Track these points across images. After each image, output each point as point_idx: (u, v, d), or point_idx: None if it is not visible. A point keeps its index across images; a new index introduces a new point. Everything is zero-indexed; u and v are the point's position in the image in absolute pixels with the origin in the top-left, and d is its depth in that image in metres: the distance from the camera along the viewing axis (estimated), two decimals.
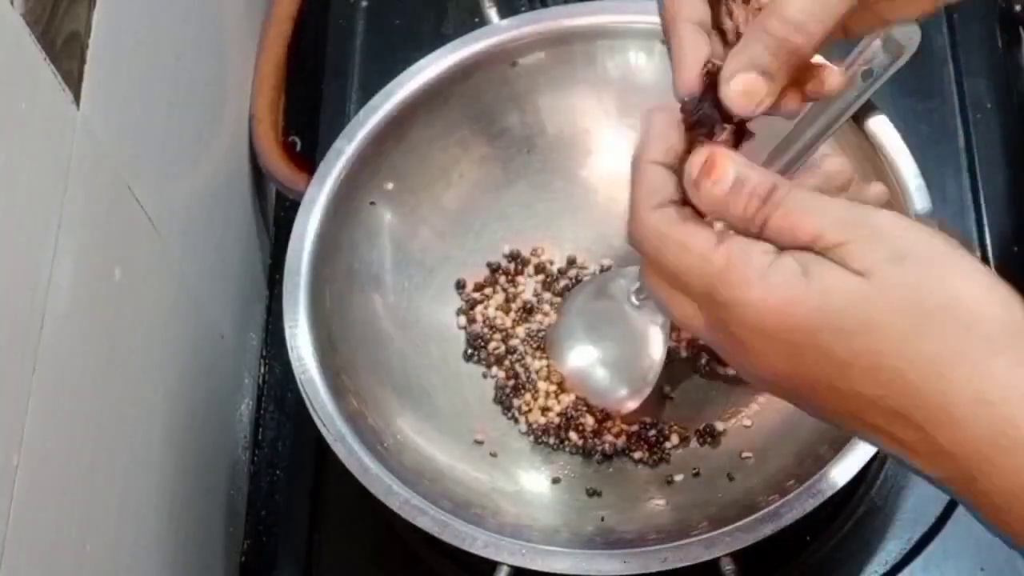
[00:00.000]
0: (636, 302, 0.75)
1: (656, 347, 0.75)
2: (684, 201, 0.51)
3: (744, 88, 0.52)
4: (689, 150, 0.52)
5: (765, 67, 0.52)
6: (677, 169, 0.52)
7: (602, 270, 0.83)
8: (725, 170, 0.50)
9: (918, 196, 0.72)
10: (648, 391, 0.76)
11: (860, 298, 0.47)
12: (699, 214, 0.51)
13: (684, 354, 0.80)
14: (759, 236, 0.49)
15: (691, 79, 0.53)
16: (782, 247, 0.49)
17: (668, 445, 0.77)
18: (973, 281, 0.47)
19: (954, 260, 0.48)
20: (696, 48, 0.54)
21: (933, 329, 0.46)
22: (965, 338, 0.46)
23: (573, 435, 0.78)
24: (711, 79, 0.53)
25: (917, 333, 0.46)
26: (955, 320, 0.46)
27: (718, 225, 0.51)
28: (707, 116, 0.53)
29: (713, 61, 0.53)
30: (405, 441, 0.75)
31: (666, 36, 0.55)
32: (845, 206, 0.49)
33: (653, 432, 0.78)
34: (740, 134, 0.53)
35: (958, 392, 0.46)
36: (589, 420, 0.78)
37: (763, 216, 0.49)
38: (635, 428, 0.78)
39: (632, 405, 0.77)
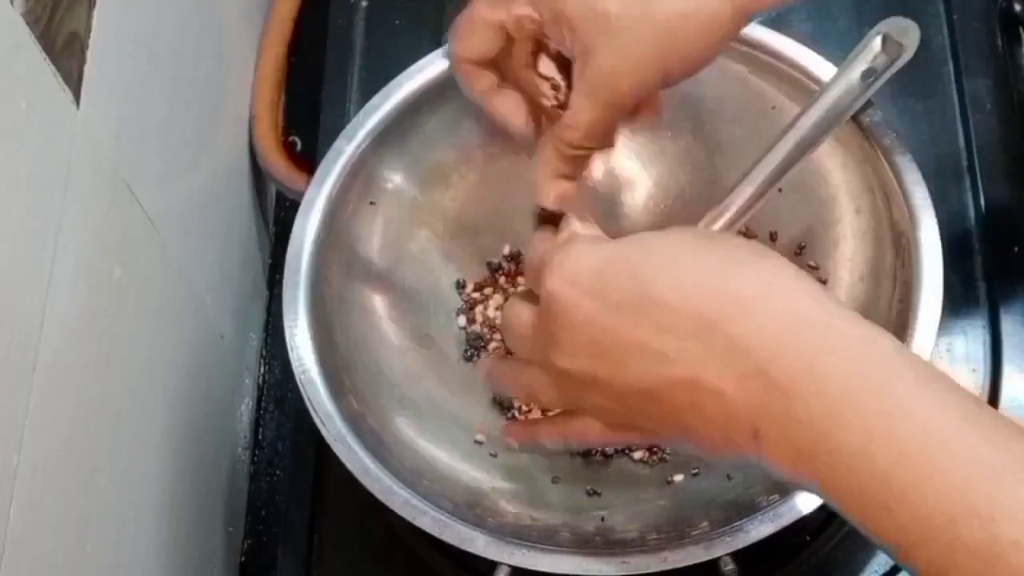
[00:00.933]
0: None
1: None
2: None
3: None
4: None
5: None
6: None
7: None
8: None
9: (918, 196, 0.72)
10: None
11: (663, 236, 0.55)
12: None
13: None
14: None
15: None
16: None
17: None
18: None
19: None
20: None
21: (734, 250, 0.53)
22: (763, 253, 0.54)
23: None
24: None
25: (714, 246, 0.54)
26: (755, 253, 0.54)
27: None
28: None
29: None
30: (405, 441, 0.75)
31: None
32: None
33: None
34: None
35: (754, 284, 0.51)
36: None
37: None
38: None
39: None
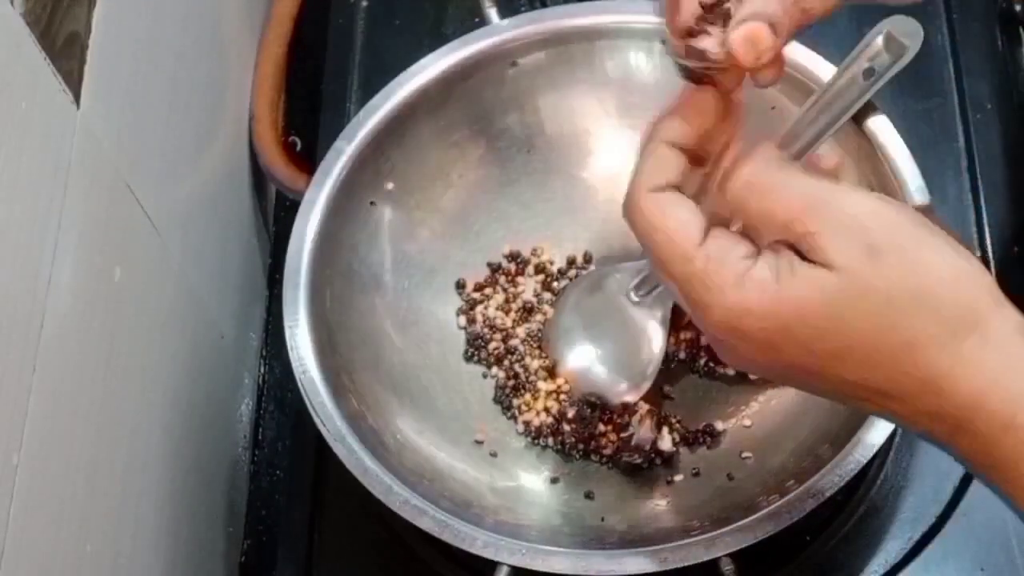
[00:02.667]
0: (635, 298, 0.76)
1: (655, 342, 0.76)
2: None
3: (749, 35, 0.53)
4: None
5: (775, 19, 0.53)
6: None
7: None
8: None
9: (918, 196, 0.72)
10: (648, 385, 0.77)
11: (832, 299, 0.49)
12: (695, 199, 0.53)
13: (683, 355, 0.80)
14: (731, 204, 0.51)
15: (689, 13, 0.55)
16: (757, 235, 0.51)
17: (667, 446, 0.77)
18: (942, 262, 0.49)
19: (923, 242, 0.50)
20: None
21: (903, 321, 0.49)
22: (934, 323, 0.49)
23: (573, 435, 0.78)
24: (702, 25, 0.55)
25: (889, 327, 0.49)
26: (926, 308, 0.49)
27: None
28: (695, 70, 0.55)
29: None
30: (405, 441, 0.75)
31: None
32: (814, 187, 0.51)
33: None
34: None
35: (932, 367, 0.49)
36: (589, 420, 0.78)
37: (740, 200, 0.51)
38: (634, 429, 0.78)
39: (632, 399, 0.77)
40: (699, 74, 0.56)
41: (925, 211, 0.61)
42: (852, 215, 0.49)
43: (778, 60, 0.56)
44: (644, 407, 0.77)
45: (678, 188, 0.54)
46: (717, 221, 0.52)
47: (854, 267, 0.48)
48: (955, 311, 0.49)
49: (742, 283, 0.50)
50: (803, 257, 0.50)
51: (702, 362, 0.79)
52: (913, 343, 0.48)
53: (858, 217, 0.49)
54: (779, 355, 0.50)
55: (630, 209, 0.53)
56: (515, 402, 0.79)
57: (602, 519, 0.74)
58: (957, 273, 0.49)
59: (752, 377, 0.78)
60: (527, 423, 0.79)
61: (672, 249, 0.51)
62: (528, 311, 0.82)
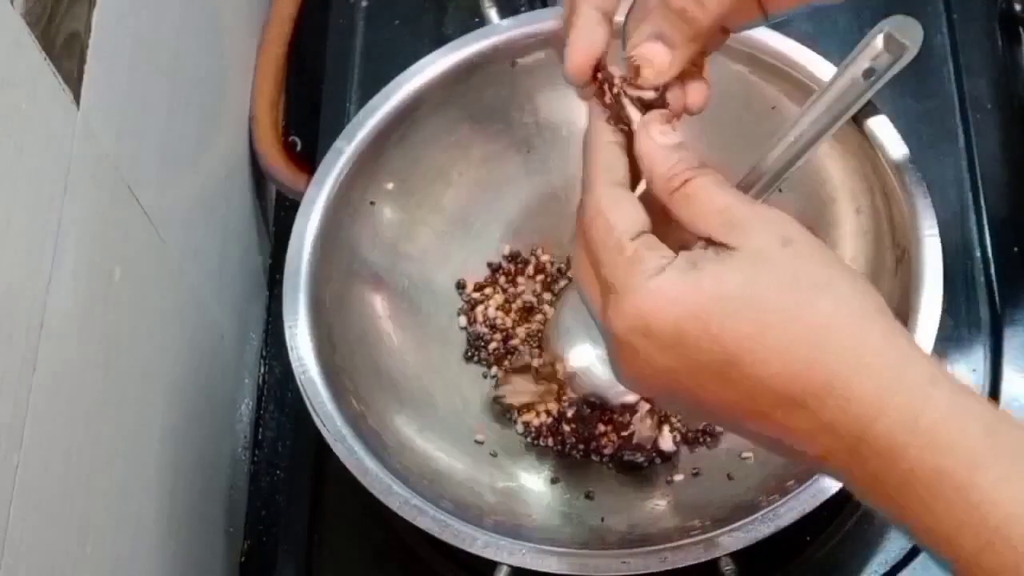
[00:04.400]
0: None
1: None
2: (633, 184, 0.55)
3: (646, 54, 0.56)
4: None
5: (667, 37, 0.56)
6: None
7: None
8: (676, 131, 0.55)
9: (918, 196, 0.72)
10: None
11: (747, 279, 0.49)
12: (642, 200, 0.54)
13: None
14: (670, 204, 0.52)
15: (581, 65, 0.57)
16: (684, 228, 0.52)
17: (667, 445, 0.77)
18: (843, 266, 0.52)
19: (827, 250, 0.52)
20: (593, 34, 0.57)
21: (817, 303, 0.49)
22: (845, 310, 0.49)
23: (573, 435, 0.78)
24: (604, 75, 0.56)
25: (803, 304, 0.49)
26: (836, 295, 0.49)
27: None
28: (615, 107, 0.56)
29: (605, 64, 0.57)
30: (405, 441, 0.75)
31: (567, 19, 0.58)
32: (744, 198, 0.52)
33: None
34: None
35: (841, 359, 0.48)
36: (589, 420, 0.78)
37: (682, 179, 0.52)
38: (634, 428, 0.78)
39: (632, 399, 0.77)
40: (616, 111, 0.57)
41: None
42: (771, 216, 0.51)
43: (699, 79, 0.59)
44: (644, 407, 0.77)
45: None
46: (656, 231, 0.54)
47: (770, 250, 0.50)
48: (862, 300, 0.50)
49: (662, 270, 0.50)
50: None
51: None
52: (826, 326, 0.49)
53: (775, 218, 0.51)
54: (683, 354, 0.50)
55: (586, 198, 0.54)
56: (513, 405, 0.79)
57: (602, 519, 0.74)
58: (854, 276, 0.51)
59: None
60: (527, 423, 0.79)
61: (609, 236, 0.52)
62: (528, 311, 0.82)
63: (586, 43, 0.57)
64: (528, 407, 0.79)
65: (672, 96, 0.57)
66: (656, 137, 0.54)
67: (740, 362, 0.49)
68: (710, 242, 0.51)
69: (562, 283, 0.83)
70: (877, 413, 0.48)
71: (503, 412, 0.79)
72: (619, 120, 0.56)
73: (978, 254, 0.85)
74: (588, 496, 0.76)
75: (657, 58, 0.56)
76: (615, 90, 0.56)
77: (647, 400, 0.75)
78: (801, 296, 0.49)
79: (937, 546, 0.47)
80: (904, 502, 0.48)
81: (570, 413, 0.78)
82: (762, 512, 0.67)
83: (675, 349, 0.50)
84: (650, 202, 0.54)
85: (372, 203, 0.80)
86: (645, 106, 0.56)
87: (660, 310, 0.50)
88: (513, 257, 0.84)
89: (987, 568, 0.46)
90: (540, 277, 0.84)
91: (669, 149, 0.54)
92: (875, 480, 0.48)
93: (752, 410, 0.50)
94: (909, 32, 0.57)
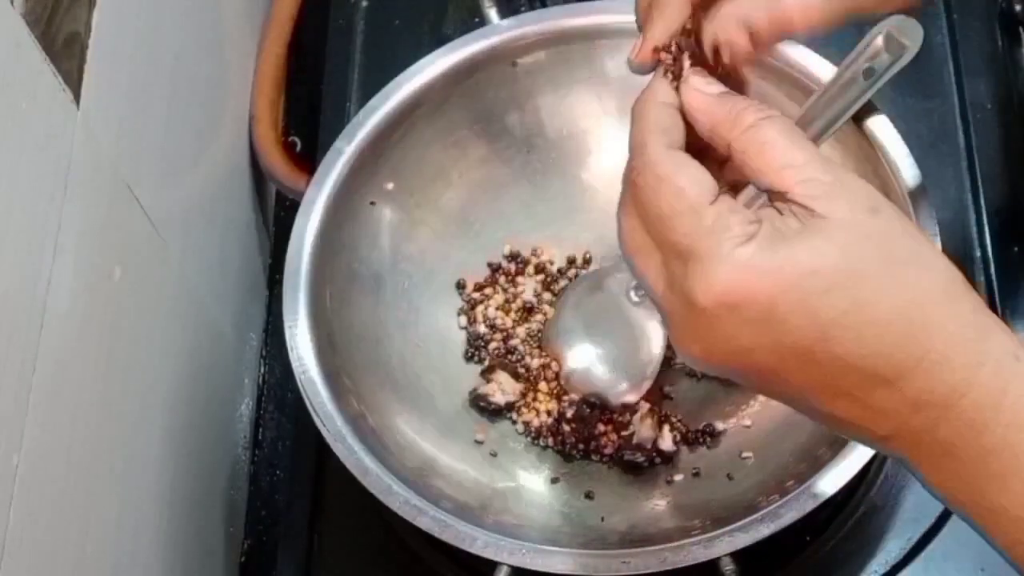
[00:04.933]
0: (636, 298, 0.76)
1: (655, 342, 0.76)
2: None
3: (733, 39, 0.55)
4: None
5: (750, 19, 0.55)
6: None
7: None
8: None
9: (918, 196, 0.72)
10: (648, 385, 0.77)
11: (843, 253, 0.47)
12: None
13: None
14: (736, 152, 0.49)
15: (648, 53, 0.55)
16: (760, 186, 0.49)
17: (667, 445, 0.77)
18: (926, 237, 0.50)
19: (908, 219, 0.50)
20: (674, 15, 0.55)
21: (912, 277, 0.47)
22: (939, 285, 0.47)
23: (573, 435, 0.78)
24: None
25: (899, 278, 0.47)
26: (929, 268, 0.48)
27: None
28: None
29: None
30: (405, 441, 0.75)
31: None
32: (818, 154, 0.49)
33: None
34: None
35: (936, 335, 0.46)
36: (589, 419, 0.78)
37: (750, 123, 0.49)
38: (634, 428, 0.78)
39: (632, 399, 0.77)
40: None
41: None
42: (854, 183, 0.49)
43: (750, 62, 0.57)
44: (645, 406, 0.77)
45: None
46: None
47: (861, 220, 0.47)
48: (952, 274, 0.48)
49: (751, 238, 0.47)
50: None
51: None
52: (922, 301, 0.47)
53: (858, 184, 0.49)
54: (771, 331, 0.47)
55: (640, 163, 0.50)
56: (515, 402, 0.79)
57: (602, 519, 0.74)
58: (935, 247, 0.50)
59: None
60: (527, 423, 0.79)
61: (681, 202, 0.48)
62: (528, 311, 0.82)
63: (665, 28, 0.55)
64: (512, 405, 0.79)
65: None
66: (703, 88, 0.52)
67: (831, 339, 0.46)
68: (781, 198, 0.48)
69: (562, 283, 0.83)
70: (966, 388, 0.46)
71: (482, 411, 0.79)
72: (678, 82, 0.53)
73: (978, 254, 0.85)
74: (588, 496, 0.76)
75: (739, 43, 0.55)
76: (681, 58, 0.54)
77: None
78: (896, 270, 0.47)
79: (1005, 528, 0.47)
80: (978, 482, 0.47)
81: (570, 413, 0.78)
82: (762, 512, 0.67)
83: (764, 325, 0.47)
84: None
85: (372, 203, 0.80)
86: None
87: (754, 283, 0.46)
88: (513, 257, 0.84)
89: None
90: (540, 277, 0.84)
91: (723, 95, 0.51)
92: (948, 457, 0.47)
93: (831, 389, 0.47)
94: (909, 32, 0.57)
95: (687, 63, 0.54)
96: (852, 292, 0.46)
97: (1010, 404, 0.46)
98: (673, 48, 0.54)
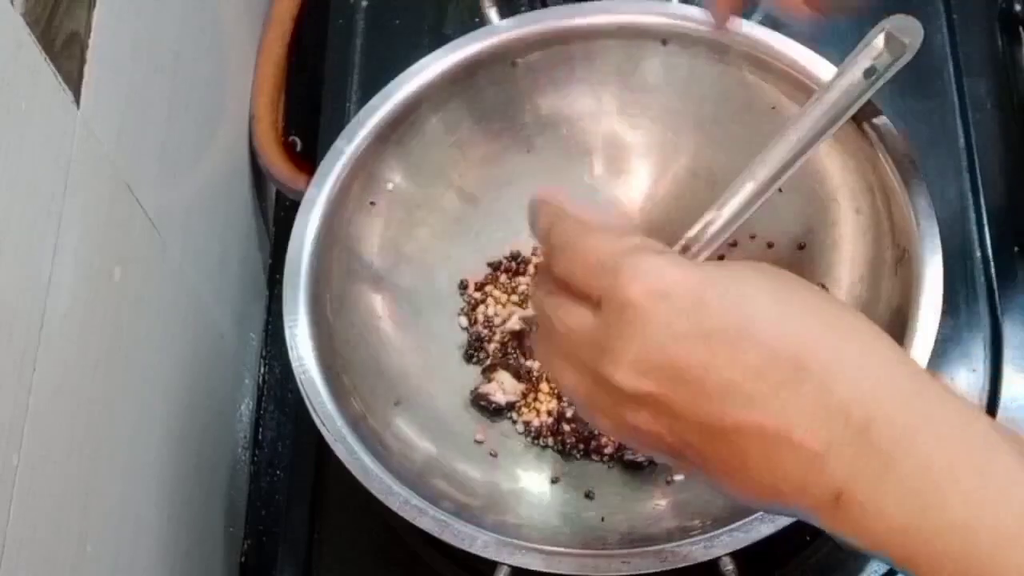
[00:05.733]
0: None
1: None
2: None
3: None
4: None
5: None
6: None
7: None
8: None
9: (918, 196, 0.72)
10: None
11: (765, 276, 0.50)
12: None
13: None
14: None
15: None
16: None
17: None
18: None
19: None
20: None
21: (828, 302, 0.51)
22: (851, 313, 0.50)
23: (573, 435, 0.78)
24: None
25: (818, 295, 0.51)
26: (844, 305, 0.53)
27: None
28: None
29: None
30: (405, 441, 0.75)
31: None
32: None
33: None
34: None
35: (852, 338, 0.48)
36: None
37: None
38: None
39: None
40: None
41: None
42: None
43: None
44: None
45: None
46: None
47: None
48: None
49: (666, 251, 0.52)
50: None
51: None
52: (839, 315, 0.50)
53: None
54: (701, 320, 0.48)
55: (554, 241, 0.55)
56: (516, 402, 0.79)
57: (602, 519, 0.74)
58: None
59: None
60: (527, 423, 0.79)
61: (600, 246, 0.52)
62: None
63: None
64: (513, 405, 0.79)
65: None
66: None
67: (757, 325, 0.48)
68: None
69: None
70: (884, 395, 0.46)
71: (482, 411, 0.79)
72: None
73: (978, 254, 0.85)
74: (588, 496, 0.76)
75: None
76: None
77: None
78: (814, 291, 0.50)
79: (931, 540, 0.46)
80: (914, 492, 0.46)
81: (570, 413, 0.78)
82: (762, 512, 0.67)
83: (692, 313, 0.48)
84: None
85: (372, 203, 0.80)
86: None
87: (680, 275, 0.49)
88: (513, 257, 0.84)
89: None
90: None
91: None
92: (884, 470, 0.46)
93: (752, 398, 0.47)
94: (909, 31, 0.57)
95: None
96: (772, 295, 0.49)
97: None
98: None
